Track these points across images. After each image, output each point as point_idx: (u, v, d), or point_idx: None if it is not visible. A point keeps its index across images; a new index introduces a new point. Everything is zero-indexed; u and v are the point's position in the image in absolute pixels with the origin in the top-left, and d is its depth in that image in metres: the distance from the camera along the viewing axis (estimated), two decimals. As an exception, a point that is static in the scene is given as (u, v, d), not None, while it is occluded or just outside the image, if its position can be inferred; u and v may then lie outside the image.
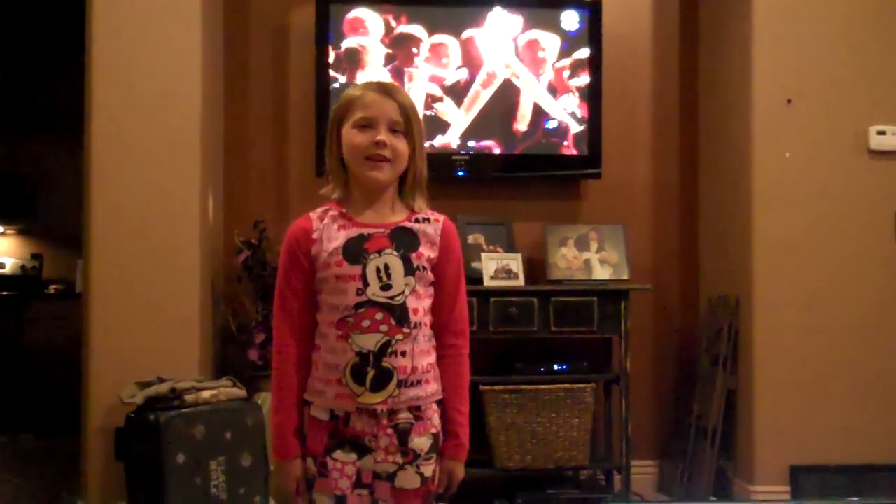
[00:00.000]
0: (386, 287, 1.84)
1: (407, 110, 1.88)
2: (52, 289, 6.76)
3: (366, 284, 1.83)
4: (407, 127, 1.88)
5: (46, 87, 6.77)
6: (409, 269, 1.86)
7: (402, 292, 1.85)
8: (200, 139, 3.60)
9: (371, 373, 1.83)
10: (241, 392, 3.40)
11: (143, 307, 3.51)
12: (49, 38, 6.29)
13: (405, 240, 1.88)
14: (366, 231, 1.88)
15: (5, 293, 6.55)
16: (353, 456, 1.86)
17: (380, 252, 1.85)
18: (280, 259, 1.95)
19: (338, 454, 1.86)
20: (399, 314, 1.84)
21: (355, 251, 1.85)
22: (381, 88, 1.90)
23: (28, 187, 6.85)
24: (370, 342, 1.83)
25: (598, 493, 3.92)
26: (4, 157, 6.83)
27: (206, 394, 3.26)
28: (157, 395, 3.17)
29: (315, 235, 1.89)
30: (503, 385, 3.73)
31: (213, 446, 3.20)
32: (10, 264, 6.94)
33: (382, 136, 1.85)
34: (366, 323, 1.83)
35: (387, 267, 1.84)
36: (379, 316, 1.83)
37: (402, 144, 1.87)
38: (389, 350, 1.83)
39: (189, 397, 3.21)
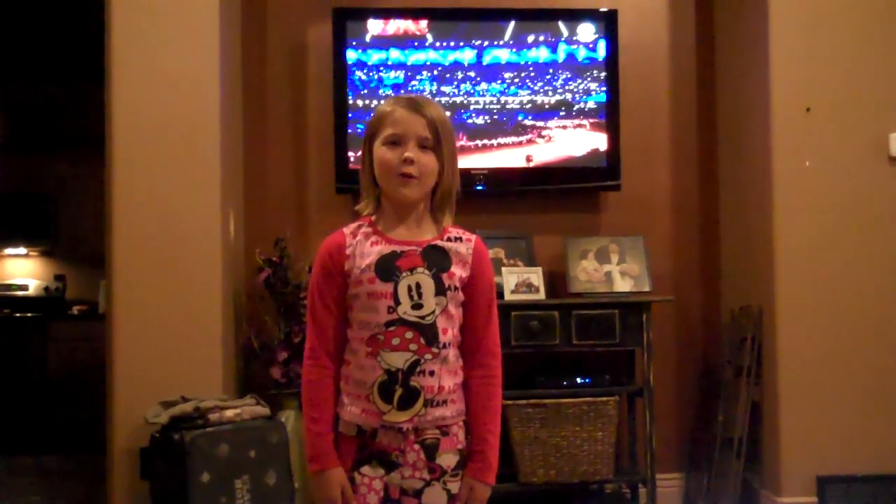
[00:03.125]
0: (417, 306, 1.84)
1: (436, 125, 1.88)
2: (75, 310, 6.80)
3: (397, 302, 1.83)
4: (436, 142, 1.88)
5: (69, 107, 6.85)
6: (441, 289, 1.86)
7: (433, 312, 1.85)
8: (220, 158, 3.62)
9: (398, 391, 1.83)
10: (264, 410, 3.41)
11: (165, 327, 3.52)
12: (71, 59, 6.35)
13: (437, 259, 1.88)
14: (398, 248, 1.88)
15: (29, 315, 6.61)
16: (381, 471, 1.86)
17: (412, 270, 1.85)
18: (312, 274, 1.95)
19: (365, 469, 1.86)
20: (429, 334, 1.84)
21: (387, 268, 1.85)
22: (411, 104, 1.90)
23: (51, 208, 6.90)
24: (399, 360, 1.83)
25: (624, 506, 3.91)
26: (27, 177, 6.88)
27: (229, 412, 3.27)
28: (181, 414, 3.19)
29: (348, 251, 1.89)
30: (526, 399, 3.72)
31: (237, 465, 3.20)
32: (34, 286, 7.00)
33: (410, 153, 1.85)
34: (395, 341, 1.83)
35: (418, 286, 1.84)
36: (409, 335, 1.83)
37: (430, 160, 1.87)
38: (418, 369, 1.83)
39: (213, 416, 3.22)
